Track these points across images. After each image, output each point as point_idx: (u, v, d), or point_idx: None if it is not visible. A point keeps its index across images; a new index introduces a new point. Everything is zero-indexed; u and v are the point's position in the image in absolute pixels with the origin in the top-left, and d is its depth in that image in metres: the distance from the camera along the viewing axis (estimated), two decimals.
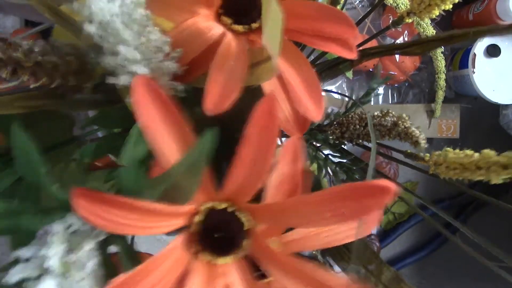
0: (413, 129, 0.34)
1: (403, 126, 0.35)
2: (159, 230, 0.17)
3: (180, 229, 0.19)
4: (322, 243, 0.22)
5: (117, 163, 0.19)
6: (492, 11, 0.56)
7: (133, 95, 0.17)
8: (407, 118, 0.35)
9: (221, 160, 0.21)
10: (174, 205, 0.17)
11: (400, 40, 0.64)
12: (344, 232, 0.22)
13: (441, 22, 0.62)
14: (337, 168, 0.38)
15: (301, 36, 0.23)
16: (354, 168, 0.37)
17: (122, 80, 0.20)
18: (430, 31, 0.61)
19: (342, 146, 0.39)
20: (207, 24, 0.23)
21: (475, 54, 0.57)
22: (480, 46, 0.57)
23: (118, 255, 0.18)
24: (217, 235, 0.19)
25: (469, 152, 0.29)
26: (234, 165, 0.18)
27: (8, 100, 0.20)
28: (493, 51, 0.57)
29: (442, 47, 0.61)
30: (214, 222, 0.19)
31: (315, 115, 0.23)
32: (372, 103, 0.66)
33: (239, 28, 0.24)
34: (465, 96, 0.65)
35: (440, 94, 0.62)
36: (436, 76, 0.62)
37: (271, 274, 0.19)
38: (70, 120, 0.27)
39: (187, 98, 0.23)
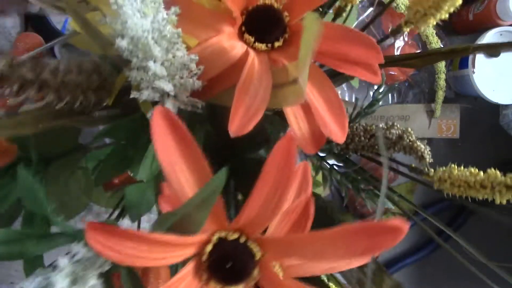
0: (418, 143, 0.34)
1: (408, 140, 0.35)
2: (170, 261, 0.17)
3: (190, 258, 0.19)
4: (324, 269, 0.22)
5: (135, 179, 0.19)
6: (492, 11, 0.55)
7: (152, 126, 0.17)
8: (412, 132, 0.35)
9: (230, 180, 0.21)
10: (184, 235, 0.17)
11: (400, 39, 0.63)
12: (347, 260, 0.22)
13: (441, 22, 0.62)
14: (342, 179, 0.38)
15: (326, 58, 0.24)
16: (359, 178, 0.38)
17: (144, 95, 0.20)
18: (430, 31, 0.61)
19: (347, 156, 0.39)
20: (231, 42, 0.23)
21: (475, 54, 0.57)
22: None
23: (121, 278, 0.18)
24: (227, 265, 0.19)
25: (473, 170, 0.30)
26: (250, 199, 0.18)
27: (32, 120, 0.21)
28: (489, 52, 0.57)
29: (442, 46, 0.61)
30: (225, 251, 0.19)
31: (340, 137, 0.24)
32: None
33: (262, 46, 0.24)
34: (465, 96, 0.65)
35: (440, 94, 0.62)
36: (436, 76, 0.62)
37: None
38: (76, 128, 0.28)
39: (198, 114, 0.23)
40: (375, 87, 0.64)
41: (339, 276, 0.33)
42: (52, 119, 0.21)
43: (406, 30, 0.29)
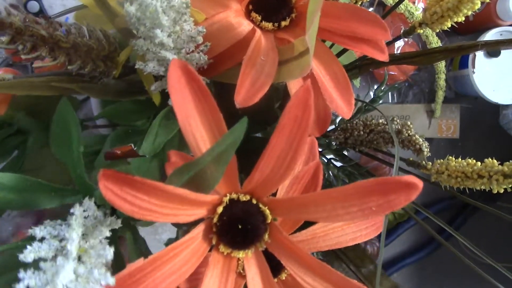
0: (417, 136, 0.34)
1: (406, 134, 0.35)
2: (181, 218, 0.17)
3: (200, 220, 0.19)
4: (331, 244, 0.22)
5: (137, 153, 0.19)
6: (492, 11, 0.56)
7: (169, 78, 0.17)
8: (411, 126, 0.35)
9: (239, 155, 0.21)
10: (198, 193, 0.17)
11: (400, 40, 0.64)
12: (353, 233, 0.22)
13: None
14: (339, 173, 0.38)
15: (333, 36, 0.24)
16: (356, 173, 0.38)
17: (150, 67, 0.20)
18: (430, 31, 0.61)
19: (344, 152, 0.39)
20: (238, 19, 0.23)
21: (475, 54, 0.57)
22: None
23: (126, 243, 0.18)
24: (238, 227, 0.18)
25: (471, 161, 0.30)
26: (263, 156, 0.18)
27: (43, 82, 0.21)
28: (493, 51, 0.57)
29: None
30: (235, 214, 0.19)
31: (346, 112, 0.24)
32: None
33: (269, 25, 0.24)
34: (465, 96, 0.65)
35: (440, 94, 0.62)
36: (436, 76, 0.62)
37: (289, 267, 0.19)
38: (75, 103, 0.28)
39: None
40: (375, 86, 0.64)
41: None
42: (62, 81, 0.20)
43: (420, 31, 0.29)
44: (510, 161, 0.29)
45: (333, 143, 0.39)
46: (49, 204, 0.17)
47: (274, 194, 0.20)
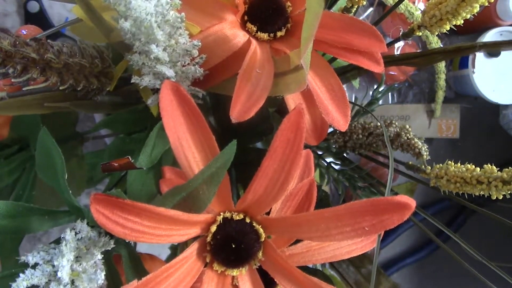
0: (416, 140, 0.34)
1: (405, 137, 0.35)
2: (175, 239, 0.17)
3: (195, 238, 0.19)
4: (326, 257, 0.22)
5: (135, 166, 0.19)
6: (492, 11, 0.56)
7: (161, 100, 0.17)
8: (410, 129, 0.35)
9: (234, 168, 0.21)
10: (190, 213, 0.17)
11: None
12: (348, 247, 0.22)
13: None
14: (340, 176, 0.38)
15: (329, 47, 0.24)
16: (356, 176, 0.38)
17: (145, 81, 0.20)
18: None
19: (344, 154, 0.39)
20: (233, 31, 0.23)
21: (475, 54, 0.57)
22: None
23: (122, 260, 0.18)
24: (231, 245, 0.19)
25: (470, 166, 0.30)
26: (257, 176, 0.18)
27: (36, 100, 0.21)
28: (493, 51, 0.57)
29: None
30: (229, 233, 0.19)
31: (342, 125, 0.24)
32: None
33: (264, 36, 0.24)
34: (465, 96, 0.65)
35: (440, 94, 0.62)
36: (436, 76, 0.62)
37: (282, 285, 0.19)
38: (73, 116, 0.28)
39: (200, 105, 0.23)
40: (375, 86, 0.64)
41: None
42: (55, 101, 0.20)
43: (419, 34, 0.29)
44: (510, 167, 0.29)
45: (333, 146, 0.39)
46: (43, 227, 0.17)
47: (268, 212, 0.20)
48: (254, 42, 0.23)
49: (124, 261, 0.17)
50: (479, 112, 0.64)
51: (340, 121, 0.24)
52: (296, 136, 0.17)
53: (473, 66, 0.57)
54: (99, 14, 0.20)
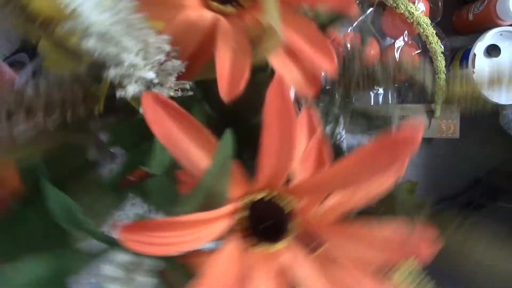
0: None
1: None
2: (208, 238, 0.17)
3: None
4: (359, 200, 0.22)
5: (149, 173, 0.19)
6: (492, 11, 0.56)
7: (145, 112, 0.17)
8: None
9: (244, 150, 0.21)
10: (212, 210, 0.17)
11: (400, 40, 0.63)
12: (378, 182, 0.22)
13: (441, 22, 0.62)
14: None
15: None
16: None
17: (130, 90, 0.20)
18: (430, 31, 0.61)
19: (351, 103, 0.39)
20: (197, 13, 0.22)
21: (475, 54, 0.57)
22: (480, 46, 0.57)
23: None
24: (264, 224, 0.19)
25: None
26: (261, 154, 0.18)
27: (31, 141, 0.20)
28: (493, 51, 0.57)
29: (442, 47, 0.61)
30: (257, 213, 0.19)
31: (330, 66, 0.23)
32: (372, 102, 0.65)
33: (229, 8, 0.23)
34: None
35: (440, 94, 0.62)
36: (436, 76, 0.62)
37: (330, 243, 0.19)
38: (80, 146, 0.27)
39: (194, 97, 0.23)
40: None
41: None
42: (50, 138, 0.20)
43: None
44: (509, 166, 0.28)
45: (336, 96, 0.38)
46: (80, 268, 0.17)
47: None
48: (221, 18, 0.23)
49: (170, 273, 0.17)
50: (479, 112, 0.64)
51: (327, 63, 0.23)
52: (283, 103, 0.17)
53: (473, 66, 0.57)
54: (64, 44, 0.20)
